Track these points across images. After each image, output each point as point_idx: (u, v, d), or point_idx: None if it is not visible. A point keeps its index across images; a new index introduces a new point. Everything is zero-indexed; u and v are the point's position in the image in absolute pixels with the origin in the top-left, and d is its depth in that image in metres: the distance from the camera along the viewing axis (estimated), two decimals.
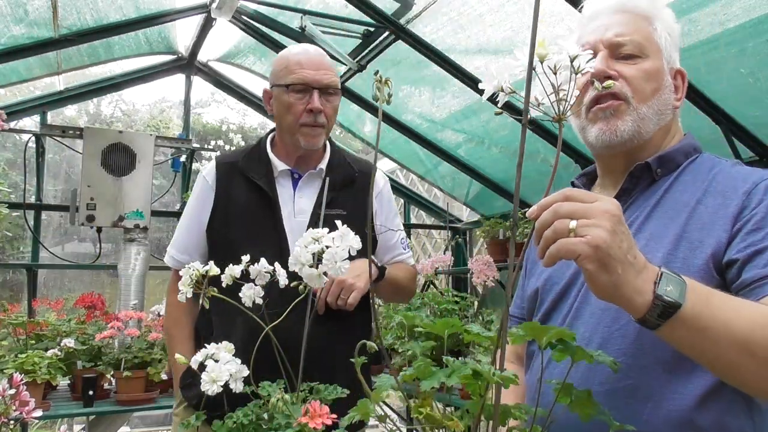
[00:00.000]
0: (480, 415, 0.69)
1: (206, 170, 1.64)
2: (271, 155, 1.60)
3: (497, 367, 0.65)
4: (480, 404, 0.68)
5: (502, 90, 0.69)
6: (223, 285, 0.98)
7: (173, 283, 1.66)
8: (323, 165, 1.62)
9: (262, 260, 1.00)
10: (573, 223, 0.67)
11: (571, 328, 0.92)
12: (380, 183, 1.72)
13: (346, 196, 1.60)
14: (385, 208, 1.72)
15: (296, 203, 1.58)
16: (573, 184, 1.12)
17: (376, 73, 0.68)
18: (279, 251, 1.41)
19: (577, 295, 0.98)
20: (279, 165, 1.59)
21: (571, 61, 0.67)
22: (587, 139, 1.03)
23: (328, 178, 1.55)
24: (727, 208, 0.88)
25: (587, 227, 0.67)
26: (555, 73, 0.67)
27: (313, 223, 1.53)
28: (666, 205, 0.95)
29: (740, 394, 0.83)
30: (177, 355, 1.03)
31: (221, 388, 0.86)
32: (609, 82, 0.83)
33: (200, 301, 1.68)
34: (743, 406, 0.85)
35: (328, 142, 1.66)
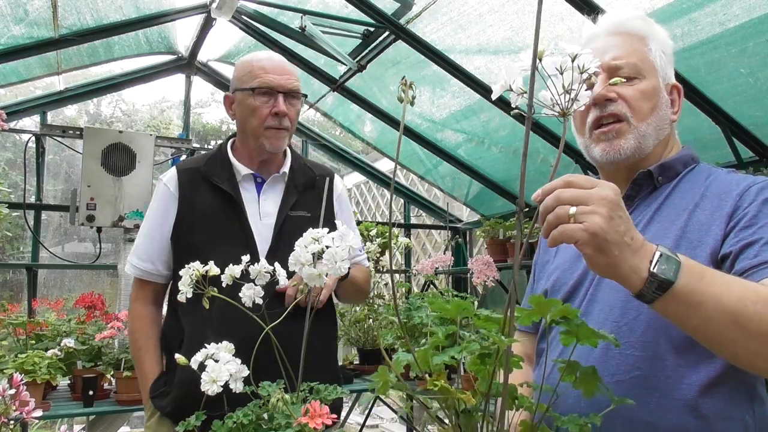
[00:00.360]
0: (488, 393, 0.70)
1: (167, 177, 1.63)
2: (234, 160, 1.63)
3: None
4: (488, 381, 0.70)
5: (511, 89, 0.70)
6: (223, 285, 0.97)
7: (137, 292, 1.64)
8: (285, 169, 1.66)
9: (262, 260, 1.00)
10: (573, 209, 0.71)
11: None
12: (339, 187, 1.77)
13: (308, 198, 1.65)
14: (345, 211, 1.78)
15: (261, 206, 1.60)
16: None
17: (402, 78, 0.70)
18: (249, 254, 1.40)
19: (585, 294, 1.03)
20: (242, 169, 1.61)
21: (573, 60, 0.71)
22: (591, 156, 1.10)
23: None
24: (722, 209, 0.95)
25: (586, 214, 0.71)
26: (561, 74, 0.70)
27: (280, 224, 1.57)
28: (666, 210, 1.02)
29: (742, 384, 0.90)
30: (177, 356, 1.02)
31: (221, 388, 0.86)
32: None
33: (163, 310, 1.69)
34: (745, 395, 0.90)
35: (287, 148, 1.70)
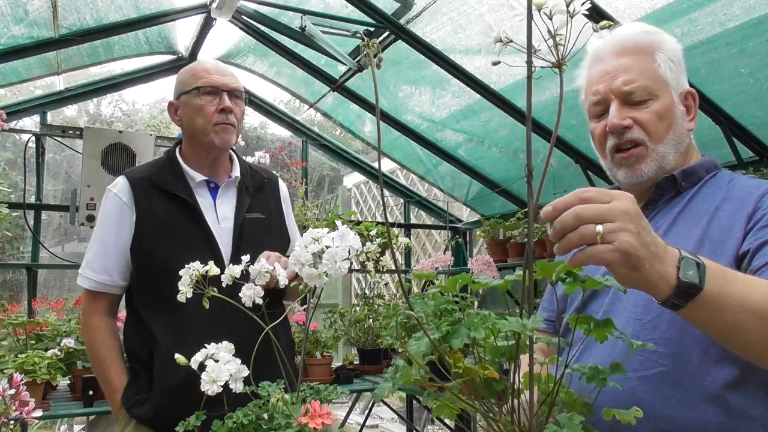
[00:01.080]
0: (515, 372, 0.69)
1: (117, 187, 1.61)
2: (186, 167, 1.64)
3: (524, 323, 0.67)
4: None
5: (501, 41, 0.70)
6: (223, 285, 0.98)
7: (91, 304, 1.61)
8: (236, 173, 1.69)
9: (262, 260, 1.00)
10: (599, 228, 0.68)
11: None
12: (284, 189, 1.84)
13: (260, 200, 1.70)
14: (290, 212, 1.85)
15: (218, 210, 1.62)
16: None
17: (365, 37, 0.69)
18: (213, 258, 1.40)
19: (607, 294, 1.05)
20: (195, 176, 1.63)
21: (567, 5, 0.69)
22: (616, 178, 1.12)
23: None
24: (743, 210, 0.97)
25: (614, 233, 0.68)
26: (551, 18, 0.69)
27: (239, 227, 1.60)
28: (689, 213, 1.04)
29: (762, 386, 0.91)
30: (177, 356, 1.02)
31: (221, 388, 0.86)
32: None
33: (115, 321, 1.67)
34: (764, 397, 0.91)
35: (233, 153, 1.74)
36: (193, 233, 1.56)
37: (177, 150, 1.68)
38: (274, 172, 1.97)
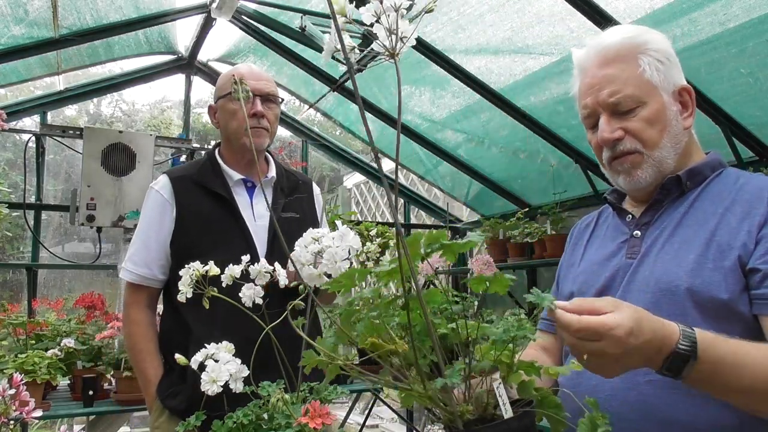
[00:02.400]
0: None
1: (159, 185, 1.69)
2: (224, 166, 1.71)
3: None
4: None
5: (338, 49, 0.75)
6: (223, 285, 0.98)
7: (132, 296, 1.67)
8: (271, 173, 1.75)
9: (263, 260, 1.01)
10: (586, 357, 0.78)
11: None
12: (317, 190, 1.89)
13: (294, 201, 1.75)
14: (323, 214, 1.91)
15: (254, 209, 1.68)
16: (605, 199, 1.20)
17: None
18: (249, 254, 1.43)
19: (614, 294, 1.04)
20: (234, 175, 1.70)
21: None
22: (618, 186, 1.12)
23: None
24: (753, 217, 0.96)
25: (599, 367, 0.80)
26: (378, 21, 0.72)
27: (274, 225, 1.64)
28: (695, 214, 1.03)
29: None
30: (177, 356, 1.03)
31: (221, 388, 0.86)
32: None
33: (158, 312, 1.74)
34: None
35: (269, 155, 1.81)
36: (230, 229, 1.63)
37: (216, 151, 1.75)
38: None
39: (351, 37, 0.75)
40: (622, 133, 1.05)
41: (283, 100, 1.78)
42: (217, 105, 1.75)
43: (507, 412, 0.70)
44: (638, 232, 1.08)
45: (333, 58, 0.71)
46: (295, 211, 1.73)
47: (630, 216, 1.12)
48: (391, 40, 0.70)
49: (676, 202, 1.07)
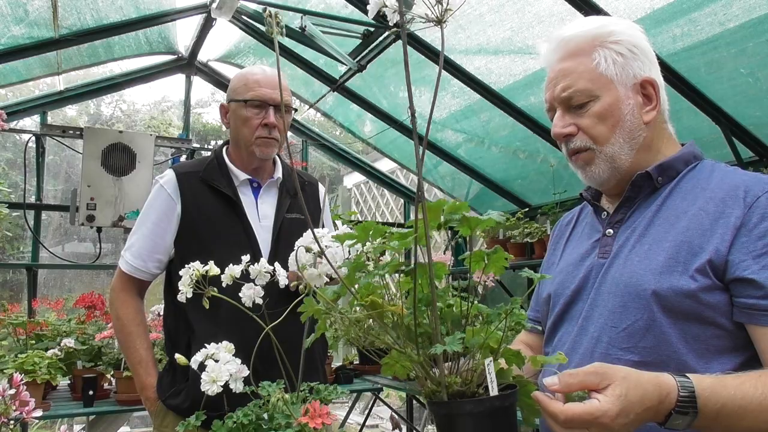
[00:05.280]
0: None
1: (164, 180, 1.68)
2: (231, 166, 1.71)
3: None
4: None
5: (386, 5, 0.73)
6: (223, 285, 0.98)
7: (123, 284, 1.69)
8: (278, 174, 1.76)
9: (262, 260, 1.00)
10: None
11: (582, 329, 1.01)
12: (323, 192, 1.88)
13: (299, 202, 1.73)
14: (327, 215, 1.89)
15: (259, 209, 1.69)
16: (582, 196, 1.18)
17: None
18: (252, 254, 1.43)
19: (587, 299, 1.03)
20: (240, 174, 1.70)
21: None
22: (583, 180, 1.11)
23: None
24: (728, 217, 0.92)
25: None
26: None
27: (278, 226, 1.66)
28: (666, 212, 1.00)
29: None
30: (177, 356, 1.02)
31: (221, 388, 0.86)
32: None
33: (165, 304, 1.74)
34: None
35: (277, 156, 1.81)
36: (234, 229, 1.63)
37: (224, 150, 1.75)
38: None
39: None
40: (574, 128, 1.03)
41: (296, 110, 1.79)
42: (228, 106, 1.73)
43: (493, 390, 0.72)
44: (611, 231, 1.06)
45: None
46: (300, 213, 1.72)
47: (605, 213, 1.10)
48: (437, 7, 0.70)
49: (648, 199, 1.04)
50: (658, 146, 1.05)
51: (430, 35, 2.85)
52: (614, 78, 1.01)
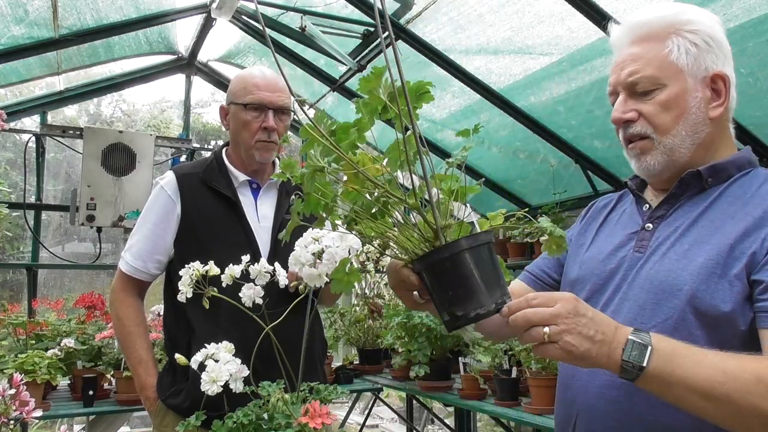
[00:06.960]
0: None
1: (164, 181, 1.69)
2: (231, 167, 1.71)
3: None
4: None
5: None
6: (223, 285, 0.98)
7: (123, 284, 1.70)
8: None
9: (262, 260, 1.01)
10: (546, 330, 0.79)
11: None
12: None
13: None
14: None
15: (259, 210, 1.69)
16: (626, 184, 1.15)
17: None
18: (251, 255, 1.44)
19: (617, 290, 1.02)
20: (239, 176, 1.70)
21: None
22: (633, 169, 1.08)
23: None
24: (764, 228, 0.91)
25: (558, 335, 0.79)
26: None
27: (278, 227, 1.65)
28: (712, 214, 0.98)
29: None
30: (177, 356, 1.02)
31: (221, 388, 0.86)
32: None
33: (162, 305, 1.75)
34: None
35: (276, 157, 1.80)
36: (233, 229, 1.63)
37: (224, 151, 1.76)
38: None
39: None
40: (635, 114, 1.00)
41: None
42: (228, 108, 1.74)
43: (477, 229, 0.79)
44: (650, 225, 1.03)
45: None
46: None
47: (647, 206, 1.07)
48: None
49: (694, 198, 1.01)
50: (717, 146, 1.03)
51: (430, 35, 2.86)
52: (685, 68, 0.99)
